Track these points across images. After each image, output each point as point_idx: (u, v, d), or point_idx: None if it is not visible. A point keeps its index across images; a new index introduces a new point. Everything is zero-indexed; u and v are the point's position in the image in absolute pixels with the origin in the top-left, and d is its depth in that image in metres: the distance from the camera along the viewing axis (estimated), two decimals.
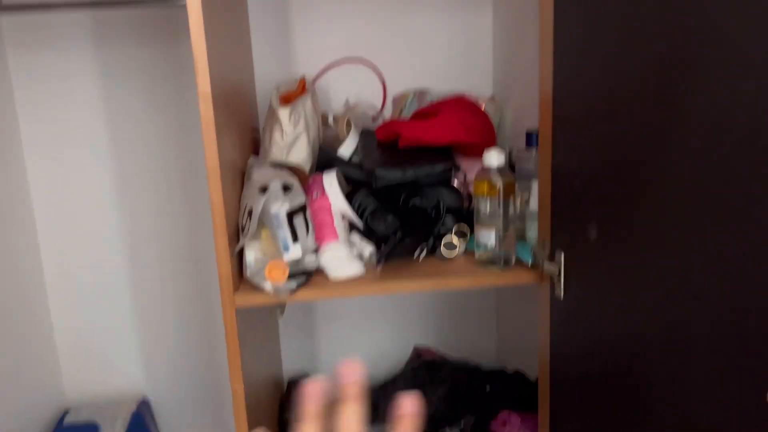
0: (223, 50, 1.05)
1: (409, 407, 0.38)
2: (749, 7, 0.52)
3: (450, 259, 1.11)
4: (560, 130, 0.93)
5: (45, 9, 1.16)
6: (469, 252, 1.13)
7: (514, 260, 1.05)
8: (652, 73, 0.67)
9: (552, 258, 0.95)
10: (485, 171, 1.02)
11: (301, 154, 1.26)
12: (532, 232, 1.10)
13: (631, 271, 0.75)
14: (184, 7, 1.12)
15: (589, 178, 0.84)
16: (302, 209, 1.00)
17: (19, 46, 1.42)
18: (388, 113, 1.52)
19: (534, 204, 1.09)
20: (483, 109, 1.36)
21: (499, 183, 1.01)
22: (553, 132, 0.96)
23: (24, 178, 1.48)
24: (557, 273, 0.92)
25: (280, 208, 0.98)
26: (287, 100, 1.32)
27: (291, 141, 1.24)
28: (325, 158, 1.26)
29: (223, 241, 0.96)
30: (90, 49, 1.43)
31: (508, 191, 1.02)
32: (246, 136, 1.27)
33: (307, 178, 1.23)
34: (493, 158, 1.01)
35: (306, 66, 1.49)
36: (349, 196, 1.18)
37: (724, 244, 0.57)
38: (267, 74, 1.48)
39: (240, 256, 1.05)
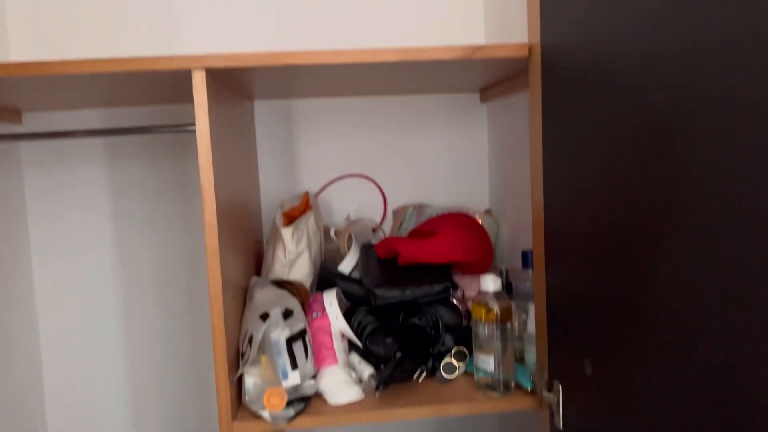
0: (230, 172, 1.10)
1: None
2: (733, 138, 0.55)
3: (449, 381, 1.11)
4: (553, 254, 0.96)
5: (63, 136, 1.22)
6: (468, 372, 1.13)
7: (513, 385, 1.05)
8: (640, 202, 0.69)
9: (550, 387, 0.95)
10: (482, 295, 1.04)
11: (302, 271, 1.28)
12: (531, 355, 1.10)
13: (629, 408, 0.74)
14: (192, 130, 1.19)
15: (582, 307, 0.86)
16: (302, 334, 1.02)
17: (35, 164, 1.48)
18: (388, 225, 1.56)
19: (531, 327, 1.10)
20: (479, 221, 1.40)
21: (495, 308, 1.02)
22: (546, 256, 0.98)
23: (30, 282, 1.50)
24: (556, 403, 0.92)
25: (280, 335, 0.99)
26: (291, 215, 1.36)
27: (293, 258, 1.27)
28: (326, 274, 1.29)
29: (222, 369, 0.97)
30: (102, 166, 1.49)
31: (506, 316, 1.03)
32: (250, 252, 1.30)
33: (308, 294, 1.25)
34: (490, 283, 1.03)
35: (310, 180, 1.55)
36: (349, 312, 1.20)
37: (721, 376, 0.58)
38: (273, 189, 1.54)
39: (239, 380, 1.05)
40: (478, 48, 0.96)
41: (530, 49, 0.97)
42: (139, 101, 1.39)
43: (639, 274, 0.70)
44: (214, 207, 0.96)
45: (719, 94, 0.54)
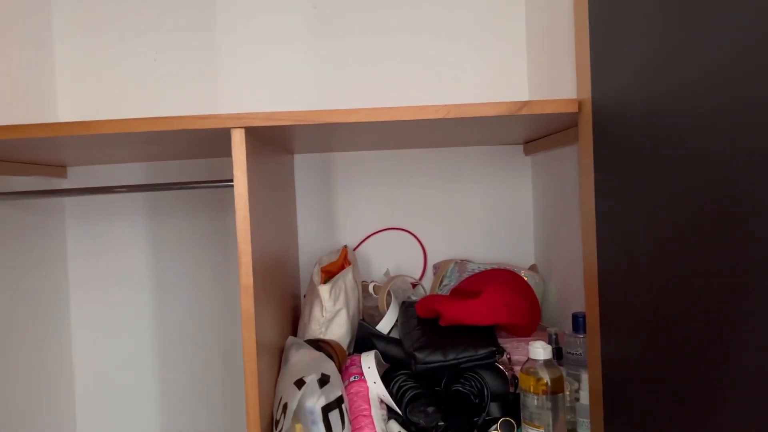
0: (268, 228, 1.08)
1: None
2: None
3: None
4: (608, 319, 0.89)
5: (105, 192, 1.23)
6: None
7: None
8: (705, 270, 0.63)
9: None
10: (531, 363, 0.97)
11: (340, 330, 1.24)
12: (584, 429, 1.02)
13: None
14: (229, 185, 1.17)
15: (643, 379, 0.78)
16: (339, 402, 0.96)
17: (78, 218, 1.50)
18: (428, 281, 1.51)
19: (585, 398, 1.02)
20: (524, 278, 1.33)
21: (546, 378, 0.95)
22: (601, 321, 0.91)
23: (69, 341, 1.50)
24: None
25: (315, 403, 0.94)
26: (329, 271, 1.33)
27: (330, 317, 1.23)
28: (364, 334, 1.24)
29: None
30: (142, 220, 1.50)
31: (557, 387, 0.96)
32: (287, 309, 1.26)
33: (345, 355, 1.20)
34: (540, 351, 0.96)
35: (348, 234, 1.52)
36: (388, 374, 1.14)
37: None
38: (311, 242, 1.51)
39: None
40: (525, 104, 0.92)
41: (580, 104, 0.93)
42: (180, 156, 1.40)
43: (709, 346, 0.63)
44: (251, 268, 0.93)
45: None
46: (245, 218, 0.93)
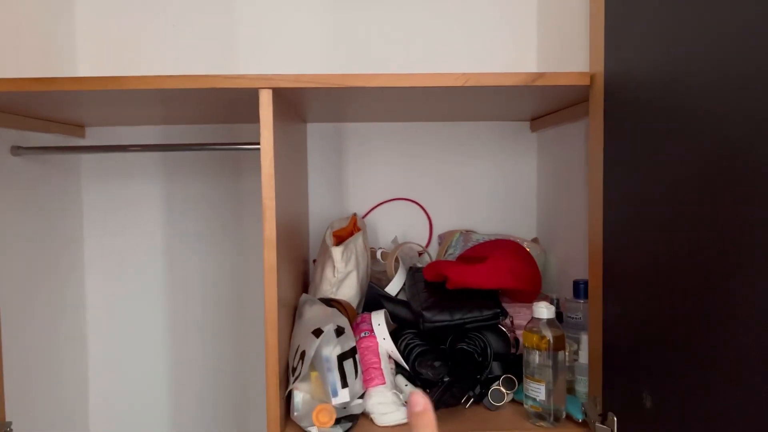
0: (287, 191, 1.12)
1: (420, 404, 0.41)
2: None
3: (497, 409, 1.09)
4: (612, 285, 0.95)
5: (123, 150, 1.27)
6: (516, 401, 1.11)
7: (564, 415, 1.03)
8: (710, 236, 0.68)
9: (604, 420, 0.93)
10: (535, 322, 1.03)
11: (350, 291, 1.29)
12: (582, 386, 1.08)
13: None
14: (248, 149, 1.21)
15: (642, 338, 0.84)
16: (353, 352, 1.02)
17: (94, 177, 1.54)
18: (433, 250, 1.57)
19: (584, 357, 1.08)
20: (527, 250, 1.39)
21: (548, 336, 1.01)
22: (604, 287, 0.97)
23: (82, 293, 1.54)
24: None
25: (332, 351, 0.99)
26: (340, 236, 1.38)
27: (342, 278, 1.28)
28: (373, 295, 1.29)
29: (274, 383, 0.98)
30: (158, 182, 1.54)
31: (558, 344, 1.02)
32: (299, 270, 1.31)
33: (356, 314, 1.26)
34: (543, 310, 1.02)
35: (357, 202, 1.57)
36: (396, 334, 1.20)
37: None
38: (321, 209, 1.56)
39: (288, 395, 1.06)
40: (540, 75, 0.97)
41: (592, 78, 0.97)
42: (196, 120, 1.44)
43: (707, 306, 0.68)
44: (274, 223, 0.98)
45: None
46: (270, 176, 0.98)
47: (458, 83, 0.97)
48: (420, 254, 1.53)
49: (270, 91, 0.97)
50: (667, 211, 0.77)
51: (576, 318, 1.14)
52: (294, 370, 1.02)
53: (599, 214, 0.97)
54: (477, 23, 1.51)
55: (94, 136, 1.53)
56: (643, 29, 0.82)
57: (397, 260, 1.41)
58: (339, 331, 1.01)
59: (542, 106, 1.26)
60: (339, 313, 1.11)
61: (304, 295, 1.21)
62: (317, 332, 0.99)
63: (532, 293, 1.28)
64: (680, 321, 0.74)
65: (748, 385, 0.62)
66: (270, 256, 0.98)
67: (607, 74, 0.93)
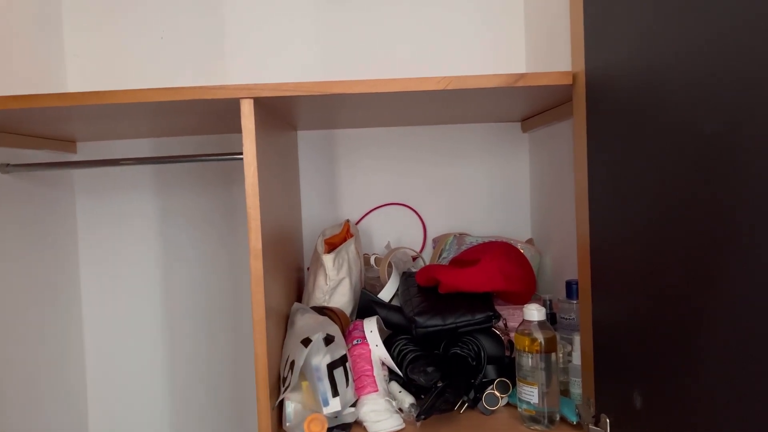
0: (275, 200, 1.12)
1: None
2: None
3: (492, 413, 1.08)
4: (600, 284, 0.94)
5: (114, 164, 1.27)
6: (511, 404, 1.10)
7: (558, 418, 1.02)
8: (694, 234, 0.67)
9: (597, 421, 0.92)
10: (526, 325, 1.02)
11: (343, 298, 1.29)
12: (576, 388, 1.07)
13: None
14: (238, 159, 1.22)
15: (631, 338, 0.83)
16: (343, 361, 1.01)
17: (87, 192, 1.54)
18: (428, 254, 1.56)
19: (577, 359, 1.07)
20: (521, 251, 1.38)
21: (540, 338, 1.00)
22: (593, 286, 0.96)
23: (79, 308, 1.54)
24: None
25: (321, 360, 0.99)
26: (332, 243, 1.37)
27: (334, 285, 1.28)
28: (366, 302, 1.29)
29: (264, 394, 0.97)
30: (150, 195, 1.54)
31: (550, 347, 1.01)
32: (291, 278, 1.31)
33: (349, 321, 1.25)
34: (534, 313, 1.01)
35: (350, 208, 1.56)
36: (389, 341, 1.19)
37: None
38: (314, 216, 1.56)
39: (279, 406, 1.05)
40: (522, 76, 0.96)
41: (574, 77, 0.97)
42: (188, 131, 1.44)
43: (694, 305, 0.68)
44: (260, 233, 0.98)
45: None
46: (254, 185, 0.98)
47: (440, 87, 0.96)
48: (414, 259, 1.52)
49: (251, 101, 0.97)
50: (650, 210, 0.76)
51: (569, 319, 1.13)
52: (284, 380, 1.01)
53: (585, 214, 0.96)
54: (464, 25, 1.51)
55: (86, 150, 1.53)
56: (622, 28, 0.81)
57: (390, 265, 1.40)
58: (328, 340, 1.01)
59: (531, 106, 1.26)
60: (330, 321, 1.10)
61: (296, 304, 1.21)
62: (306, 341, 0.99)
63: (526, 295, 1.27)
64: (667, 320, 0.73)
65: (736, 384, 0.61)
66: (257, 266, 0.97)
67: (588, 73, 0.93)
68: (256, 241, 0.98)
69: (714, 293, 0.64)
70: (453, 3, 1.51)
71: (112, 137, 1.48)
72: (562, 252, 1.34)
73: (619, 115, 0.83)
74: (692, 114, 0.66)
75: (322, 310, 1.20)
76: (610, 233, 0.89)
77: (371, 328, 1.15)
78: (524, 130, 1.53)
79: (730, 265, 0.61)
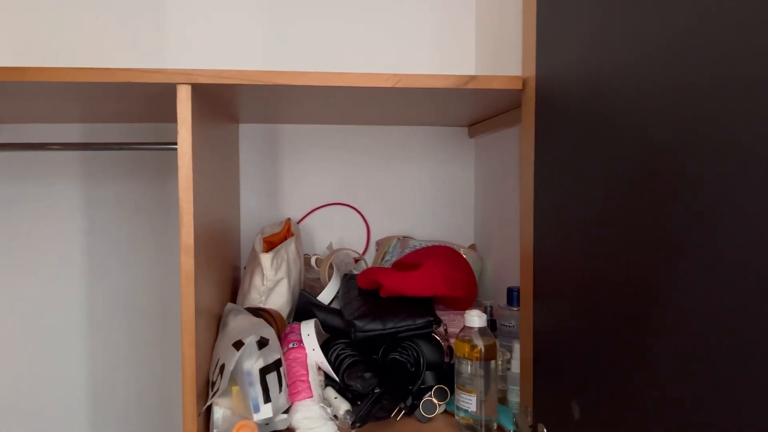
0: (211, 193, 1.06)
1: None
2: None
3: (429, 420, 1.06)
4: (541, 291, 0.93)
5: (38, 148, 1.18)
6: (449, 412, 1.08)
7: (495, 426, 1.01)
8: (636, 243, 0.67)
9: (534, 431, 0.91)
10: (467, 331, 1.00)
11: (280, 299, 1.24)
12: (515, 396, 1.06)
13: None
14: (172, 149, 1.15)
15: (570, 347, 0.82)
16: (277, 365, 0.97)
17: (7, 176, 1.43)
18: (371, 256, 1.53)
19: (516, 367, 1.06)
20: (463, 256, 1.37)
21: (480, 345, 0.99)
22: (534, 293, 0.95)
23: None
24: None
25: (253, 365, 0.94)
26: (272, 242, 1.32)
27: (271, 286, 1.23)
28: (304, 304, 1.24)
29: (191, 399, 0.91)
30: (77, 182, 1.44)
31: (490, 354, 0.99)
32: (226, 277, 1.25)
33: (285, 324, 1.20)
34: (475, 319, 1.00)
35: (293, 207, 1.51)
36: (327, 344, 1.15)
37: (715, 423, 0.55)
38: (254, 214, 1.50)
39: (207, 411, 0.99)
40: (472, 78, 0.94)
41: (524, 82, 0.96)
42: (120, 118, 1.35)
43: (632, 315, 0.67)
44: (192, 228, 0.92)
45: (728, 137, 0.52)
46: (188, 177, 0.92)
47: (389, 84, 0.93)
48: (357, 261, 1.49)
49: (189, 87, 0.91)
50: (594, 218, 0.75)
51: (509, 326, 1.12)
52: (213, 384, 0.96)
53: (530, 220, 0.95)
54: (416, 26, 1.49)
55: (7, 132, 1.42)
56: (573, 34, 0.80)
57: (331, 267, 1.36)
58: (262, 343, 0.96)
59: (479, 110, 1.25)
60: (265, 323, 1.05)
61: (229, 304, 1.15)
62: (238, 344, 0.94)
63: (467, 300, 1.26)
64: (607, 330, 0.73)
65: (673, 395, 0.61)
66: (187, 263, 0.92)
67: (538, 79, 0.92)
68: (187, 237, 0.92)
69: (654, 304, 0.63)
70: (405, 3, 1.49)
71: (37, 120, 1.38)
72: (504, 258, 1.34)
73: (568, 121, 0.82)
74: (640, 123, 0.65)
75: (257, 312, 1.15)
76: (554, 241, 0.88)
77: (308, 331, 1.11)
78: (471, 135, 1.52)
79: (670, 275, 0.60)
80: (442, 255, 1.25)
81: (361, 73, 0.93)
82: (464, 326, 1.01)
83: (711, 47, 0.54)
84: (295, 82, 0.92)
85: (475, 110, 1.24)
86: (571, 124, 0.81)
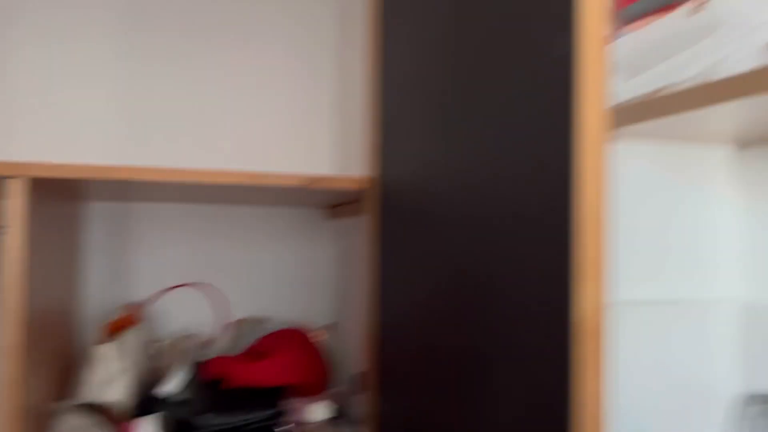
0: (43, 281, 1.00)
1: None
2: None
3: None
4: (386, 379, 0.97)
5: None
6: None
7: None
8: (454, 332, 0.73)
9: None
10: (311, 426, 1.02)
11: (118, 393, 1.17)
12: None
13: None
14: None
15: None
16: None
17: None
18: (224, 339, 1.50)
19: None
20: (319, 338, 1.39)
21: None
22: (380, 381, 0.99)
23: None
24: None
25: None
26: (116, 328, 1.26)
27: (110, 378, 1.16)
28: (147, 397, 1.18)
29: None
30: None
31: None
32: (60, 370, 1.17)
33: (127, 419, 1.14)
34: (318, 412, 1.01)
35: (144, 288, 1.46)
36: None
37: None
38: (99, 297, 1.42)
39: None
40: (317, 179, 1.00)
41: (368, 182, 1.03)
42: None
43: (463, 404, 0.73)
44: (21, 326, 0.86)
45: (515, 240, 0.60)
46: (18, 273, 0.87)
47: (236, 181, 0.96)
48: (208, 345, 1.45)
49: (20, 181, 0.88)
50: (425, 308, 0.82)
51: (356, 412, 1.15)
52: None
53: (375, 309, 1.00)
54: (274, 119, 1.54)
55: None
56: (404, 146, 0.89)
57: (180, 354, 1.32)
58: None
59: (333, 199, 1.30)
60: (101, 423, 0.99)
61: (60, 402, 1.07)
62: None
63: (319, 386, 1.27)
64: (439, 417, 0.78)
65: None
66: (12, 366, 0.85)
67: (382, 179, 0.99)
68: (13, 336, 0.86)
69: (483, 392, 0.69)
70: (267, 97, 1.53)
71: None
72: (359, 339, 1.38)
73: (402, 217, 0.90)
74: (448, 221, 0.73)
75: (94, 408, 1.08)
76: (396, 328, 0.93)
77: (148, 429, 1.06)
78: (329, 216, 1.57)
79: (495, 365, 0.67)
80: (292, 341, 1.26)
81: (209, 171, 0.95)
82: (306, 421, 1.02)
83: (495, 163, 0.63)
84: (139, 177, 0.92)
85: (329, 199, 1.29)
86: (404, 220, 0.88)
